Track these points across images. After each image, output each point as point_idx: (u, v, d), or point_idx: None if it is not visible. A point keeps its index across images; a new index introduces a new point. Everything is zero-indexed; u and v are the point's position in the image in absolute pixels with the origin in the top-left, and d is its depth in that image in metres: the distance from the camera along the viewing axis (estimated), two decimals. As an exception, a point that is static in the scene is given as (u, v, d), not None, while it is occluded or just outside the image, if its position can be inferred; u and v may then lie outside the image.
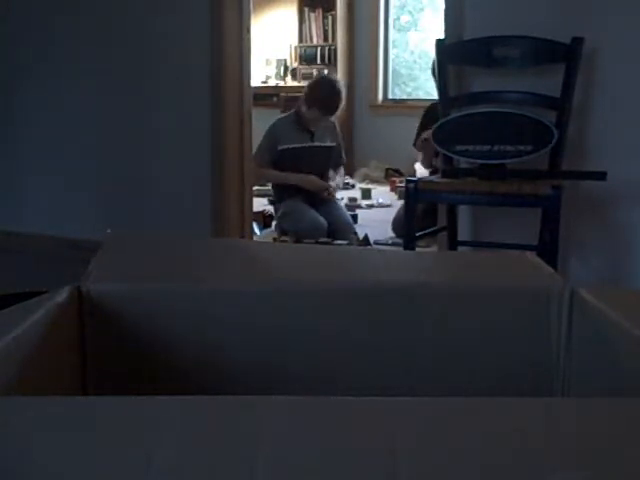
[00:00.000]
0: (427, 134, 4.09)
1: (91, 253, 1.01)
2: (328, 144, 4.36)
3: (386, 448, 0.53)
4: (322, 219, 4.10)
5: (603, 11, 2.52)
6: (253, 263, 1.09)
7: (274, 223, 4.39)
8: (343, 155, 4.59)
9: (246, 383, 0.94)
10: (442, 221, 2.88)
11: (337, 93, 4.30)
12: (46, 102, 3.74)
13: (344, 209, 4.54)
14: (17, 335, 0.72)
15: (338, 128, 4.56)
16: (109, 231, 1.12)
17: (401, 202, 4.60)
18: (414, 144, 4.34)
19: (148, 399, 0.61)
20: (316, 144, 4.30)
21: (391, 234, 4.30)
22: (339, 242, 4.01)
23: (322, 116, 4.24)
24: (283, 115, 4.52)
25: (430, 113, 4.26)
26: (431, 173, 3.92)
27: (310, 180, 4.20)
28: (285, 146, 4.23)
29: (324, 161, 4.31)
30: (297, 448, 0.53)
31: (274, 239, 4.14)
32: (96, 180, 3.67)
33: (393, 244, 4.04)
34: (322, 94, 4.27)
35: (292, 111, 4.41)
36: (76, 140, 3.69)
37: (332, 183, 4.34)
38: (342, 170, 4.61)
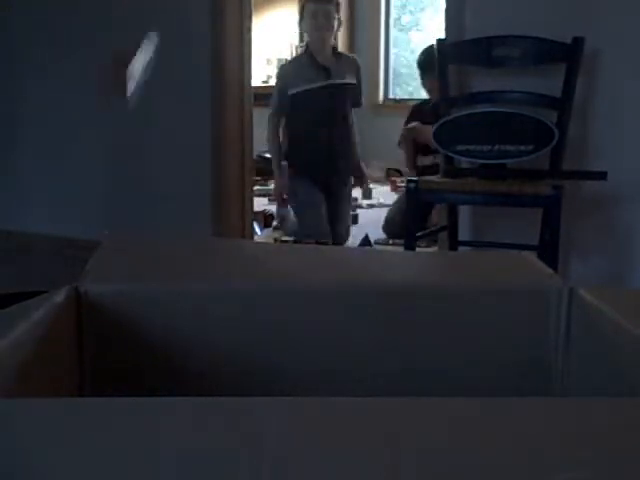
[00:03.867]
0: (410, 125, 4.09)
1: (91, 253, 1.01)
2: (347, 81, 3.93)
3: (387, 448, 0.53)
4: (327, 226, 3.88)
5: (603, 11, 2.52)
6: (253, 263, 1.09)
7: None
8: (361, 96, 4.12)
9: (246, 383, 0.93)
10: (443, 221, 2.88)
11: None
12: (47, 102, 3.74)
13: (349, 214, 4.26)
14: (15, 336, 0.72)
15: (359, 64, 4.12)
16: (106, 232, 1.12)
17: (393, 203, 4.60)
18: (399, 143, 4.34)
19: (147, 400, 0.61)
20: (331, 82, 3.86)
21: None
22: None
23: (318, 5, 3.81)
24: (289, 60, 4.22)
25: (414, 112, 4.28)
26: (418, 174, 3.90)
27: (276, 183, 3.95)
28: (296, 90, 3.84)
29: (343, 101, 3.92)
30: (298, 449, 0.53)
31: (275, 240, 4.14)
32: (96, 180, 3.67)
33: (394, 244, 4.04)
34: None
35: (300, 53, 4.08)
36: (76, 140, 3.69)
37: (366, 172, 4.11)
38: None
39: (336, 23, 3.93)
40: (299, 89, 3.82)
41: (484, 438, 0.55)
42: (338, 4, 4.01)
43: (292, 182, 3.94)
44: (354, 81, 3.96)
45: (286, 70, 4.00)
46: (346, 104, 3.94)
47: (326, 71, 3.85)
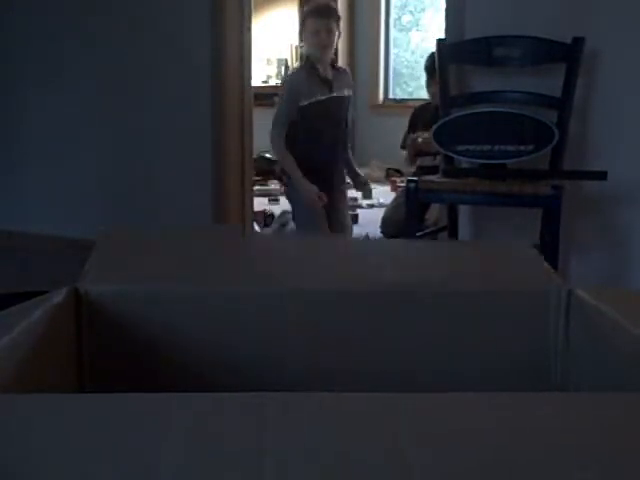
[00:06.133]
0: (418, 135, 4.08)
1: (91, 253, 1.00)
2: (346, 94, 4.06)
3: (387, 448, 0.53)
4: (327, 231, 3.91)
5: (603, 11, 2.52)
6: (253, 262, 1.09)
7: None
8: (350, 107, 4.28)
9: (245, 383, 0.93)
10: (443, 221, 2.88)
11: None
12: (46, 102, 3.74)
13: (349, 217, 4.29)
14: (14, 336, 0.72)
15: (350, 77, 4.23)
16: (101, 228, 1.11)
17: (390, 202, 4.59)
18: (402, 146, 4.31)
19: (147, 396, 0.60)
20: (335, 95, 3.96)
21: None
22: None
23: (320, 21, 3.85)
24: (295, 71, 4.25)
25: (418, 115, 4.26)
26: (415, 173, 3.90)
27: (307, 190, 3.87)
28: (307, 101, 3.88)
29: (344, 113, 4.05)
30: (298, 447, 0.53)
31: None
32: (96, 180, 3.67)
33: (394, 244, 4.02)
34: (311, 4, 4.00)
35: (302, 65, 4.06)
36: (76, 140, 3.69)
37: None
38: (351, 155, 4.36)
39: (336, 37, 3.99)
40: (308, 101, 3.86)
41: (484, 438, 0.55)
42: (339, 18, 4.06)
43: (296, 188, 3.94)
44: (351, 94, 4.11)
45: (295, 83, 3.97)
46: (345, 116, 4.05)
47: (329, 85, 3.92)
